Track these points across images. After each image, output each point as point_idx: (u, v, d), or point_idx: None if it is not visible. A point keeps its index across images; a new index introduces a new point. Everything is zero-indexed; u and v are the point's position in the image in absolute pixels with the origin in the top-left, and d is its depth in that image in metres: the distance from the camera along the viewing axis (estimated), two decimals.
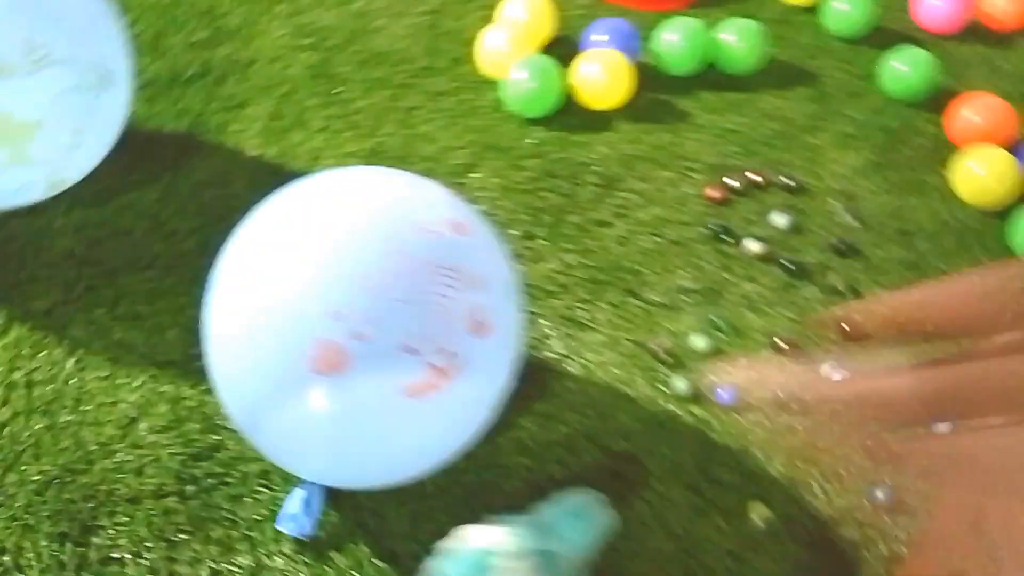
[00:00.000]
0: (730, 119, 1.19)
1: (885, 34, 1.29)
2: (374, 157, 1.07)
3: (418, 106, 1.14)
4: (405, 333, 0.62)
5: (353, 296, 0.62)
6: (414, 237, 0.65)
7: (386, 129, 1.11)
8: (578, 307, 0.94)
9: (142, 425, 0.81)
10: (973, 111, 1.13)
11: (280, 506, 0.76)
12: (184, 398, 0.83)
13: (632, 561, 0.76)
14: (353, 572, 0.74)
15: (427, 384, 0.63)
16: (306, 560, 0.74)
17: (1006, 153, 1.07)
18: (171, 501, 0.77)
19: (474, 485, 0.79)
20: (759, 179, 1.09)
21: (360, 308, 0.62)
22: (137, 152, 0.99)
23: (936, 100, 1.19)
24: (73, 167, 0.85)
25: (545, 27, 1.21)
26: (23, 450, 0.79)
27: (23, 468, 0.78)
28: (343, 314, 0.61)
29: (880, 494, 0.78)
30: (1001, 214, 1.06)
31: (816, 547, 0.78)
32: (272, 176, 1.01)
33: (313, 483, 0.75)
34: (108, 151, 0.90)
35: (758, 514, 0.78)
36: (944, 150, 1.14)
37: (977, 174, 1.07)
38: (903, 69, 1.20)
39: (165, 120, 1.08)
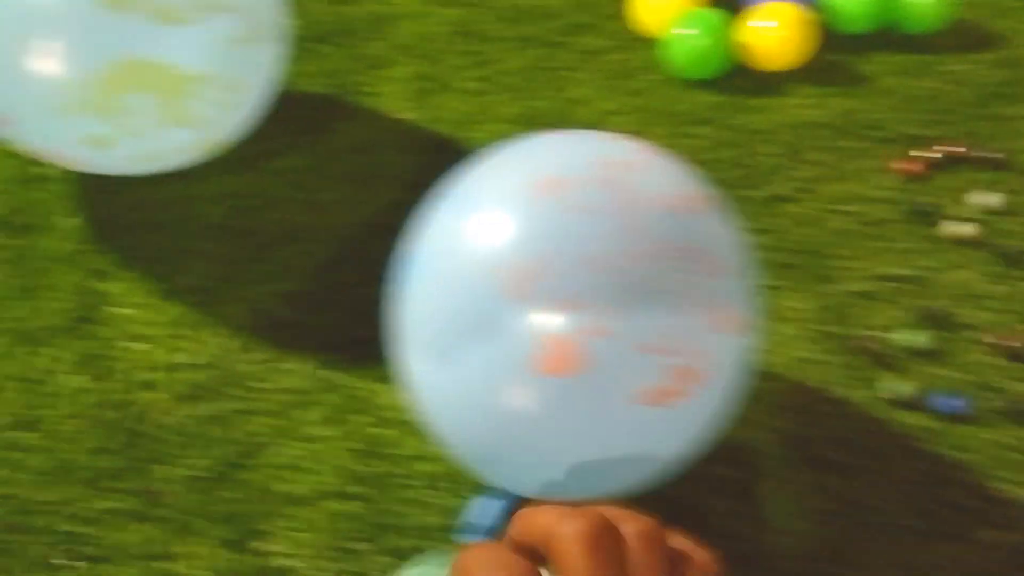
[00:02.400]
0: (916, 84, 1.06)
1: None
2: (529, 123, 0.97)
3: (571, 67, 1.04)
4: (648, 329, 0.53)
5: (589, 285, 0.53)
6: (653, 214, 0.55)
7: (538, 91, 1.01)
8: (775, 297, 0.84)
9: (308, 416, 0.74)
10: None
11: (459, 513, 0.68)
12: (350, 387, 0.75)
13: None
14: None
15: (668, 390, 0.54)
16: None
17: None
18: (341, 503, 0.70)
19: (675, 500, 0.71)
20: (957, 152, 0.97)
21: (598, 299, 0.53)
22: (282, 115, 0.92)
23: None
24: (229, 127, 0.78)
25: None
26: (183, 442, 0.72)
27: (183, 462, 0.72)
28: (577, 305, 0.53)
29: None
30: None
31: None
32: (421, 141, 0.93)
33: (501, 491, 0.67)
34: (262, 112, 0.82)
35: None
36: None
37: None
38: None
39: (308, 82, 1.00)
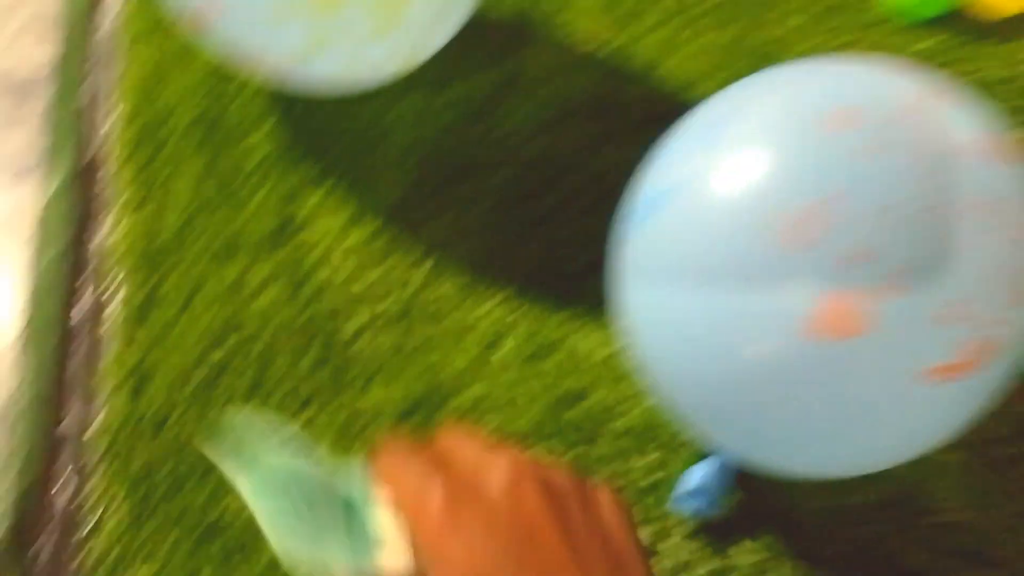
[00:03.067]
0: None
1: None
2: (732, 56, 0.89)
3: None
4: (946, 294, 0.46)
5: (881, 236, 0.46)
6: (961, 161, 0.47)
7: (742, 22, 0.92)
8: None
9: (501, 354, 0.70)
10: None
11: (669, 477, 0.63)
12: (548, 328, 0.71)
13: None
14: (759, 562, 0.60)
15: (956, 366, 0.47)
16: (704, 543, 0.61)
17: None
18: (551, 446, 0.66)
19: (908, 488, 0.64)
20: None
21: (891, 254, 0.45)
22: (469, 39, 0.86)
23: None
24: (433, 39, 0.73)
25: None
26: (379, 367, 0.69)
27: (377, 390, 0.68)
28: (867, 257, 0.46)
29: None
30: None
31: None
32: (613, 71, 0.86)
33: (722, 458, 0.61)
34: (458, 30, 0.77)
35: None
36: None
37: None
38: None
39: (496, 5, 0.94)
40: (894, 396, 0.48)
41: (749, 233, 0.48)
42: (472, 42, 0.88)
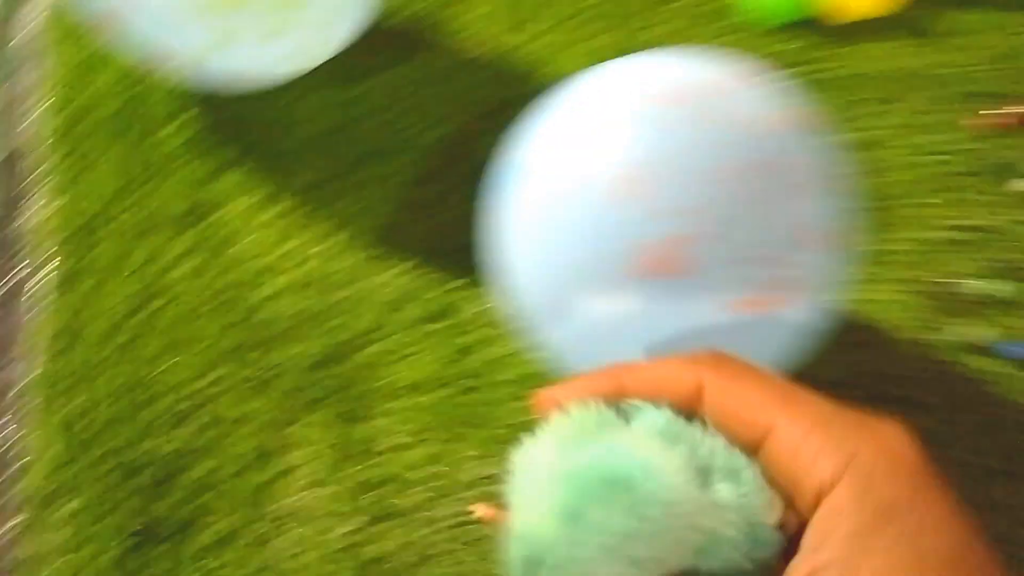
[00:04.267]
0: (1005, 41, 1.05)
1: None
2: (616, 55, 0.99)
3: (650, 8, 1.06)
4: (745, 239, 0.56)
5: (693, 194, 0.55)
6: (752, 130, 0.58)
7: (630, 25, 1.03)
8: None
9: (399, 316, 0.78)
10: None
11: None
12: (439, 295, 0.79)
13: None
14: None
15: (760, 299, 0.57)
16: None
17: None
18: (443, 391, 0.74)
19: None
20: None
21: (699, 206, 0.55)
22: (374, 40, 0.94)
23: None
24: (333, 38, 0.81)
25: None
26: (295, 328, 0.77)
27: (294, 347, 0.76)
28: (677, 211, 0.55)
29: None
30: None
31: None
32: (505, 70, 0.96)
33: None
34: (361, 29, 0.85)
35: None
36: None
37: None
38: None
39: (395, 10, 1.02)
40: (716, 324, 0.57)
41: (592, 194, 0.58)
42: (377, 42, 0.96)
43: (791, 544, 0.27)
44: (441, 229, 0.81)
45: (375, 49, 0.95)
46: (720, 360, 0.31)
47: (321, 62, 0.84)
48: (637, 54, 0.66)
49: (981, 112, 0.97)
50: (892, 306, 0.81)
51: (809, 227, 0.58)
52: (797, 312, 0.60)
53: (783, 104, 0.61)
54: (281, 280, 0.80)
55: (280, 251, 0.81)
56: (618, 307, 0.58)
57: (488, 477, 0.71)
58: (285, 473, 0.70)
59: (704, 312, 0.57)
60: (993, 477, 0.72)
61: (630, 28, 1.03)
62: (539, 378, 0.75)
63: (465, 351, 0.76)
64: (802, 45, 1.02)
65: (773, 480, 0.28)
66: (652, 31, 1.03)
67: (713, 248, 0.55)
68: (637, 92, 0.60)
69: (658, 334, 0.58)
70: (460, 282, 0.78)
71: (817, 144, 0.61)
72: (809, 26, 1.03)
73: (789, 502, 0.27)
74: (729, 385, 0.29)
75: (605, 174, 0.57)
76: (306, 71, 0.84)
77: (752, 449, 0.28)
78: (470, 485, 0.70)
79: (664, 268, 0.56)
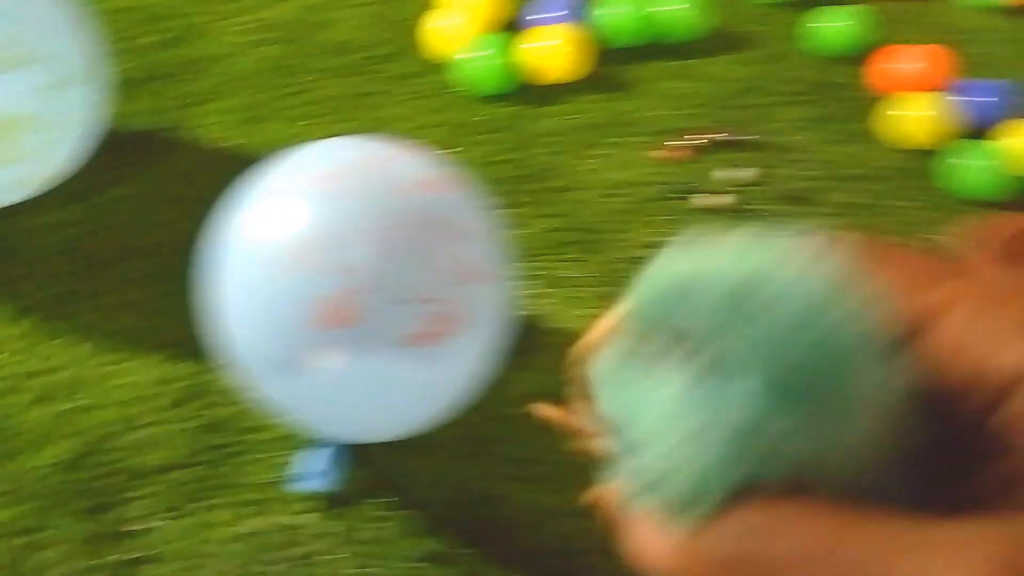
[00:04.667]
0: (682, 85, 1.25)
1: None
2: None
3: (382, 91, 1.18)
4: (406, 284, 0.66)
5: (355, 251, 0.66)
6: (404, 194, 0.69)
7: (353, 115, 1.15)
8: (558, 268, 0.99)
9: (153, 404, 0.84)
10: (895, 62, 1.22)
11: (298, 467, 0.79)
12: (194, 374, 0.86)
13: None
14: (376, 524, 0.77)
15: (429, 332, 0.67)
16: (330, 515, 0.78)
17: (926, 97, 1.16)
18: (193, 471, 0.80)
19: (485, 434, 0.84)
20: (712, 139, 1.16)
21: (362, 262, 0.65)
22: (116, 150, 1.01)
23: (865, 54, 1.27)
24: (55, 163, 0.87)
25: (493, 6, 1.25)
26: (46, 434, 0.81)
27: (44, 452, 0.80)
28: (346, 269, 0.65)
29: None
30: (928, 153, 1.14)
31: None
32: (247, 165, 1.05)
33: (331, 440, 0.78)
34: (90, 148, 0.92)
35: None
36: (873, 100, 1.22)
37: (901, 119, 1.15)
38: (835, 27, 1.28)
39: (140, 118, 1.10)
40: (397, 360, 0.67)
41: (274, 262, 0.67)
42: (113, 154, 1.03)
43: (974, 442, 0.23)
44: (181, 320, 0.88)
45: (110, 161, 1.02)
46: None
47: (52, 184, 0.90)
48: (316, 142, 0.77)
49: (665, 144, 1.14)
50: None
51: (470, 267, 0.70)
52: (473, 338, 0.71)
53: (438, 169, 0.73)
54: (28, 392, 0.84)
55: (27, 362, 0.86)
56: (316, 360, 0.67)
57: (247, 535, 0.77)
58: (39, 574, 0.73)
59: (386, 351, 0.67)
60: None
61: (362, 117, 1.15)
62: (289, 439, 0.82)
63: (212, 427, 0.82)
64: (512, 108, 1.17)
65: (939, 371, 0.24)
66: (382, 113, 1.15)
67: (380, 295, 0.65)
68: (310, 173, 0.70)
69: (350, 380, 0.68)
70: (204, 366, 0.85)
71: (463, 198, 0.73)
72: (519, 91, 1.18)
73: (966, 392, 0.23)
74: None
75: (283, 243, 0.67)
76: (36, 194, 0.90)
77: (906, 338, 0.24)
78: (232, 550, 0.76)
79: (341, 318, 0.65)
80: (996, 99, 1.16)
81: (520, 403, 0.85)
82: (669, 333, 0.22)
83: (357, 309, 0.65)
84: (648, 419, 0.22)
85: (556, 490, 0.80)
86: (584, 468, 0.26)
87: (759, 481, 0.21)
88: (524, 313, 0.93)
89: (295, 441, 0.81)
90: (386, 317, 0.66)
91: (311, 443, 0.79)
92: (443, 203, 0.71)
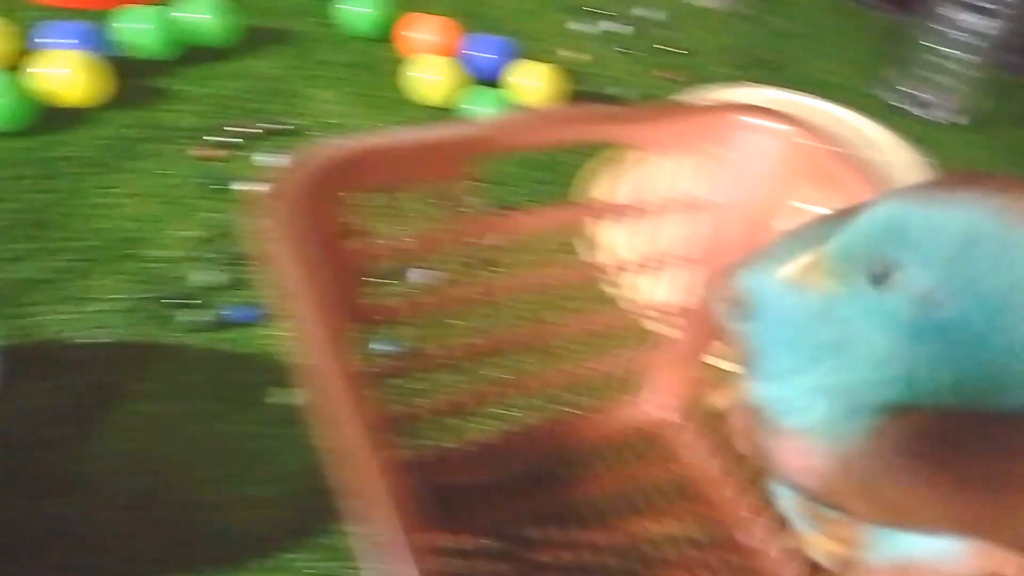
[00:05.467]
0: (221, 87, 1.27)
1: None
2: None
3: None
4: None
5: None
6: None
7: None
8: (78, 286, 0.95)
9: None
10: (415, 31, 1.34)
11: None
12: None
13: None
14: None
15: None
16: None
17: (438, 59, 1.28)
18: None
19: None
20: (253, 131, 1.19)
21: None
22: None
23: (391, 27, 1.38)
24: None
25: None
26: None
27: None
28: None
29: None
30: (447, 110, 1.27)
31: None
32: None
33: None
34: None
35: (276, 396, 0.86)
36: (401, 67, 1.33)
37: (421, 80, 1.27)
38: (359, 10, 1.38)
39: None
40: None
41: None
42: None
43: None
44: None
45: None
46: None
47: None
48: None
49: (204, 139, 1.16)
50: (127, 325, 0.92)
51: None
52: None
53: None
54: None
55: None
56: None
57: None
58: None
59: None
60: (217, 416, 0.85)
61: None
62: None
63: None
64: (37, 141, 1.12)
65: None
66: None
67: None
68: None
69: None
70: None
71: None
72: (46, 120, 1.14)
73: None
74: None
75: None
76: None
77: None
78: None
79: None
80: (497, 56, 1.32)
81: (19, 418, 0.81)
82: (878, 263, 0.21)
83: None
84: (808, 337, 0.20)
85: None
86: None
87: (909, 405, 0.20)
88: (44, 337, 0.89)
89: None
90: None
91: None
92: None
